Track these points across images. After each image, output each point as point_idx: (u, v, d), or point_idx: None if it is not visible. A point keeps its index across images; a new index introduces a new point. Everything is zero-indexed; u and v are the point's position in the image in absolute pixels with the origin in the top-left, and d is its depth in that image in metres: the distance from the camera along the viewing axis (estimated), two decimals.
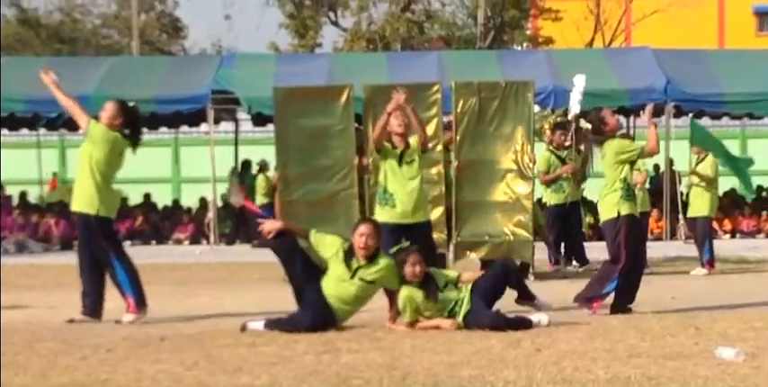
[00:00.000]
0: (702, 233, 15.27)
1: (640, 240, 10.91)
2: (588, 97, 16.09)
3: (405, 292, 9.34)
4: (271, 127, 16.99)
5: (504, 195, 14.43)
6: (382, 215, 10.75)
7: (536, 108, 15.16)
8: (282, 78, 21.12)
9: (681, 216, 20.60)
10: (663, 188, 22.46)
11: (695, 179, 15.36)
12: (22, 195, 27.32)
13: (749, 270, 15.63)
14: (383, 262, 9.46)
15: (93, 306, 10.30)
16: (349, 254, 9.42)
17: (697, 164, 15.36)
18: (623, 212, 10.42)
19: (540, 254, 15.27)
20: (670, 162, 22.71)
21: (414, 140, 10.94)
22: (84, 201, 10.29)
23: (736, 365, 7.28)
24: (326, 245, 9.57)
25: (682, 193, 22.40)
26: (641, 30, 40.32)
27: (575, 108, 15.40)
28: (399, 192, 10.77)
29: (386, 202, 10.81)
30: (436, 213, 14.05)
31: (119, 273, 10.24)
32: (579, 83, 15.48)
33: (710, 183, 15.29)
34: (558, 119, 15.97)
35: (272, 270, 14.52)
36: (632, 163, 10.72)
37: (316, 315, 9.21)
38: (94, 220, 10.25)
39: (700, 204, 15.31)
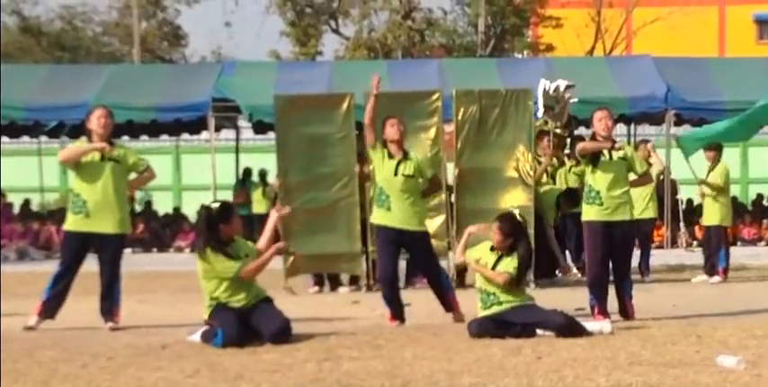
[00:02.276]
0: (716, 242, 15.25)
1: (605, 247, 10.48)
2: (589, 105, 16.06)
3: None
4: (272, 135, 17.00)
5: (505, 203, 14.42)
6: (379, 218, 10.58)
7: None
8: (283, 86, 21.12)
9: (682, 224, 20.58)
10: (663, 196, 22.44)
11: (707, 189, 15.29)
12: (25, 203, 27.30)
13: (750, 278, 15.63)
14: (413, 154, 10.70)
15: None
16: (388, 155, 10.55)
17: (708, 173, 15.33)
18: (583, 218, 10.56)
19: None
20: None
21: (416, 155, 10.81)
22: (124, 223, 10.53)
23: (737, 373, 7.28)
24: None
25: (682, 202, 22.40)
26: (642, 38, 40.34)
27: (540, 112, 15.26)
28: (395, 199, 10.47)
29: (382, 204, 10.54)
30: (437, 222, 14.06)
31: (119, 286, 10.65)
32: (541, 86, 15.32)
33: (721, 191, 15.27)
34: (552, 125, 15.93)
35: (274, 278, 14.54)
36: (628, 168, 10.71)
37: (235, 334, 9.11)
38: (122, 240, 10.65)
39: (714, 213, 15.29)
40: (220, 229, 9.40)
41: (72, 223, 10.43)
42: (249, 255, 9.45)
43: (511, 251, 9.48)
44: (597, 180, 10.49)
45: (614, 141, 10.63)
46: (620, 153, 10.58)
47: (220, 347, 8.83)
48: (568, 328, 9.18)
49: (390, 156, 10.59)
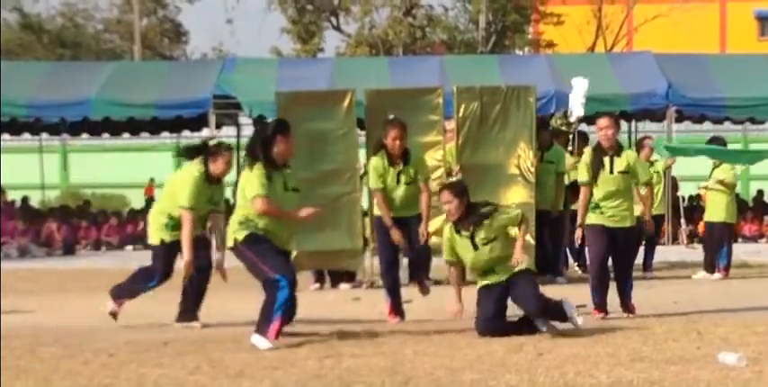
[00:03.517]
0: (719, 238, 15.24)
1: (606, 247, 10.53)
2: (590, 102, 16.09)
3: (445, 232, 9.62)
4: None
5: (506, 200, 14.41)
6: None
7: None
8: (284, 83, 21.11)
9: (683, 221, 20.57)
10: (665, 193, 22.44)
11: (713, 184, 15.27)
12: (24, 199, 27.31)
13: (751, 275, 15.62)
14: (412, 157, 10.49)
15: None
16: (389, 162, 10.37)
17: (713, 169, 15.30)
18: (586, 222, 10.64)
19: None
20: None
21: (419, 160, 10.70)
22: None
23: (739, 370, 7.28)
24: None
25: (684, 199, 22.39)
26: (643, 34, 40.32)
27: (577, 111, 15.34)
28: (397, 198, 10.55)
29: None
30: (438, 220, 14.05)
31: None
32: (580, 85, 15.41)
33: (727, 188, 15.25)
34: (558, 122, 15.92)
35: None
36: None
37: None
38: None
39: (716, 209, 15.28)
40: (274, 144, 9.12)
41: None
42: (295, 190, 9.26)
43: (472, 220, 9.40)
44: (599, 193, 10.56)
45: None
46: (622, 166, 10.58)
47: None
48: (539, 316, 9.16)
49: (392, 163, 10.53)
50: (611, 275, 10.72)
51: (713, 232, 15.38)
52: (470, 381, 7.02)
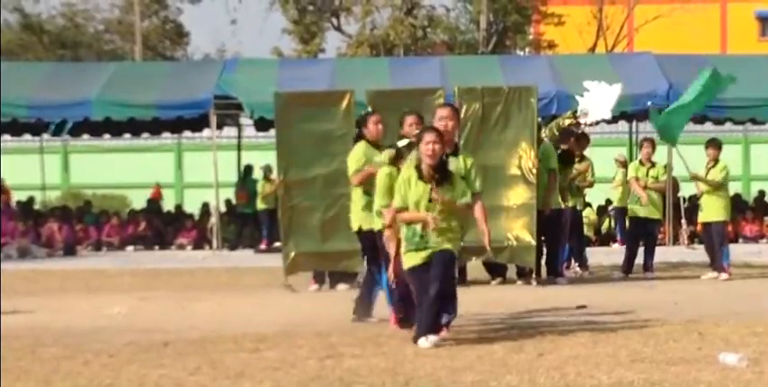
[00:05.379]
0: (719, 238, 15.25)
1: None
2: None
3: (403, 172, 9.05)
4: (274, 132, 16.98)
5: (508, 200, 14.42)
6: (368, 222, 10.48)
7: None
8: (285, 83, 21.11)
9: (684, 221, 20.57)
10: (665, 194, 22.42)
11: (703, 186, 15.30)
12: (29, 201, 27.30)
13: (752, 275, 15.62)
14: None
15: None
16: (420, 174, 8.93)
17: (708, 170, 15.32)
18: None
19: None
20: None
21: (459, 162, 9.58)
22: None
23: (739, 371, 7.28)
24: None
25: (685, 199, 22.38)
26: (644, 35, 40.31)
27: (601, 114, 15.04)
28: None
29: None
30: None
31: None
32: (614, 91, 14.99)
33: (721, 188, 15.28)
34: (567, 122, 15.87)
35: (274, 275, 14.55)
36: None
37: None
38: None
39: (715, 210, 15.28)
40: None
41: None
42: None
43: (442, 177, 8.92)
44: None
45: None
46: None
47: None
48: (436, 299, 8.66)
49: (421, 177, 9.09)
50: None
51: (711, 233, 15.38)
52: (471, 381, 7.02)
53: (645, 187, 15.92)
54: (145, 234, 25.80)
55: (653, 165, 16.08)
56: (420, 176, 8.89)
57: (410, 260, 8.79)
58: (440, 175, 8.92)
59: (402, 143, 9.62)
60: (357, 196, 10.91)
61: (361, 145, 11.08)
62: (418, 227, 8.77)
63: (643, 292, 13.11)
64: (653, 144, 16.51)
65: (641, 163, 16.19)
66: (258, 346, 8.67)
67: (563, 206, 14.98)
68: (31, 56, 42.99)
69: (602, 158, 20.10)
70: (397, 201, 8.94)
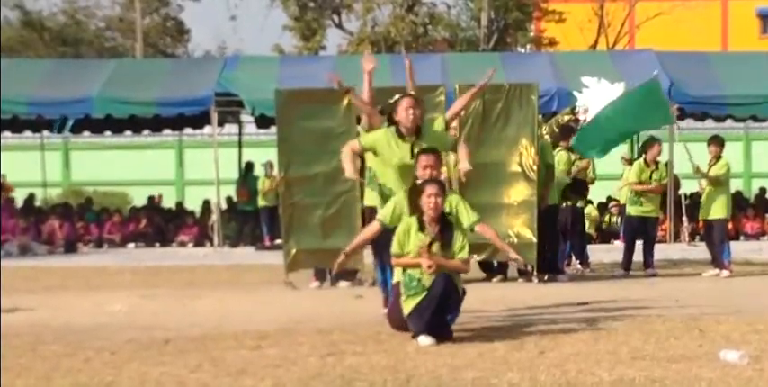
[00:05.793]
0: (720, 235, 15.25)
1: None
2: None
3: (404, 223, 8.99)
4: (275, 129, 16.98)
5: (508, 197, 14.42)
6: (372, 199, 10.58)
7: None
8: (286, 81, 21.10)
9: (685, 218, 20.58)
10: (666, 191, 22.43)
11: (705, 183, 15.30)
12: (30, 198, 27.30)
13: (753, 272, 15.62)
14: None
15: None
16: (421, 225, 8.91)
17: (710, 167, 15.32)
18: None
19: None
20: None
21: (437, 120, 10.61)
22: None
23: (740, 368, 7.28)
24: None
25: (686, 197, 22.38)
26: (645, 32, 40.31)
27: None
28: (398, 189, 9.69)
29: (379, 190, 10.03)
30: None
31: None
32: (616, 89, 15.07)
33: (722, 185, 15.29)
34: (566, 118, 15.86)
35: (275, 273, 14.55)
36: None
37: None
38: None
39: (716, 207, 15.28)
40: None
41: None
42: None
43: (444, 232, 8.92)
44: None
45: None
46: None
47: None
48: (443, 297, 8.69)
49: (401, 136, 9.73)
50: None
51: (713, 230, 15.39)
52: (472, 379, 7.02)
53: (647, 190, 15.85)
54: (146, 231, 25.83)
55: (657, 166, 15.97)
56: (421, 228, 8.92)
57: (410, 305, 8.83)
58: (440, 227, 8.95)
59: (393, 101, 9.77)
60: (368, 176, 11.40)
61: (384, 130, 10.00)
62: (416, 272, 8.81)
63: (644, 289, 13.11)
64: (660, 144, 16.41)
65: (647, 164, 15.91)
66: (259, 344, 8.66)
67: (563, 204, 15.06)
68: (31, 53, 43.00)
69: None
70: (395, 247, 8.97)
